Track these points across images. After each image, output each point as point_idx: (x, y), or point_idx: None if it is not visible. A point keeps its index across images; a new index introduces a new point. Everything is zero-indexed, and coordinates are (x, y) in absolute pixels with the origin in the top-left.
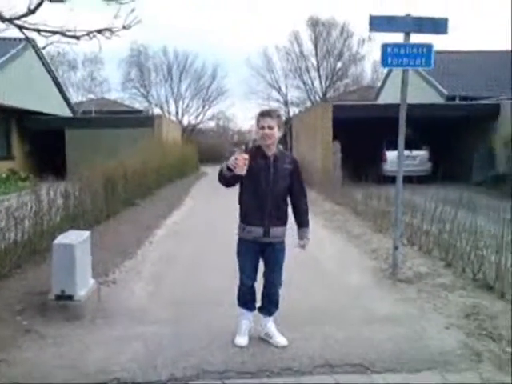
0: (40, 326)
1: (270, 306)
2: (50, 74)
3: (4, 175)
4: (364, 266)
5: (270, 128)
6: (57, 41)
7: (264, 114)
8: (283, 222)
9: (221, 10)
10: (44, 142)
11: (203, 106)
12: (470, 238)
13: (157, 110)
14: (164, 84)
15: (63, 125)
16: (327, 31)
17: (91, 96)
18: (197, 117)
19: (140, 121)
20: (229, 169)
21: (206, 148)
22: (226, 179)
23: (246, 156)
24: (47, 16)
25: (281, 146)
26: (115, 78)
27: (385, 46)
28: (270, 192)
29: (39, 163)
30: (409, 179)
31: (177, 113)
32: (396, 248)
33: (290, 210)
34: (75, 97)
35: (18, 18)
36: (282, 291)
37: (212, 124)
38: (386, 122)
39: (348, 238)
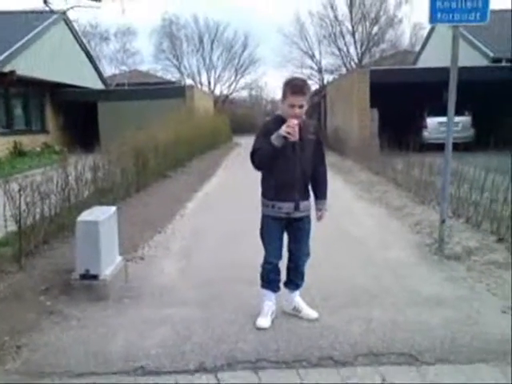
0: (64, 307)
1: (296, 279)
2: (81, 46)
3: (38, 149)
4: (407, 241)
5: (301, 107)
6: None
7: (296, 91)
8: (308, 195)
9: None
10: (77, 115)
11: (235, 76)
12: None
13: (189, 81)
14: (196, 54)
15: (96, 97)
16: None
17: (124, 68)
18: (229, 87)
19: (171, 92)
20: (284, 138)
21: (238, 118)
22: (269, 155)
23: (296, 121)
24: None
25: (303, 116)
26: (148, 50)
27: (433, 0)
28: (298, 165)
29: (73, 136)
30: (453, 146)
31: (209, 83)
32: (443, 221)
33: None
34: (108, 69)
35: None
36: (318, 270)
37: (245, 94)
38: (426, 87)
39: (388, 210)
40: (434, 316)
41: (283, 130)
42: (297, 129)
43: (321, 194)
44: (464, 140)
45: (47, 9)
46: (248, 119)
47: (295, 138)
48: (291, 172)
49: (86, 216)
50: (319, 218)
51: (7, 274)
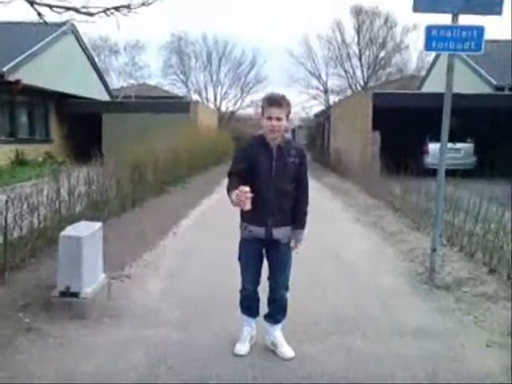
0: (42, 325)
1: (275, 313)
2: (89, 58)
3: (40, 158)
4: (398, 269)
5: (279, 119)
6: (70, 18)
7: (272, 103)
8: (288, 222)
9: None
10: (82, 126)
11: (241, 93)
12: None
13: (195, 96)
14: (203, 70)
15: (100, 109)
16: (370, 20)
17: (132, 81)
18: (235, 103)
19: (177, 106)
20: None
21: (243, 135)
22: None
23: (247, 189)
24: None
25: (288, 135)
26: (156, 64)
27: (429, 29)
28: (272, 188)
29: (76, 147)
30: (452, 173)
31: (215, 99)
32: (434, 250)
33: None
34: (116, 82)
35: None
36: (303, 295)
37: (250, 111)
38: (429, 113)
39: (383, 235)
40: (417, 349)
41: (233, 197)
42: (249, 196)
43: (297, 223)
44: (466, 167)
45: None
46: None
47: (248, 207)
48: (263, 195)
49: (69, 231)
50: (293, 248)
51: None
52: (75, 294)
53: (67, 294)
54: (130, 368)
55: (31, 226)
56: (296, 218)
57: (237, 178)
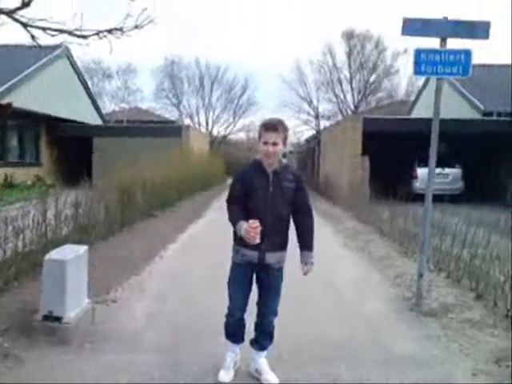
0: (22, 350)
1: (262, 339)
2: (82, 82)
3: (29, 182)
4: (385, 294)
5: (275, 144)
6: (64, 40)
7: (268, 128)
8: (282, 246)
9: (253, 24)
10: (72, 150)
11: (233, 117)
12: (504, 266)
13: (187, 120)
14: (196, 94)
15: (91, 133)
16: (361, 44)
17: (124, 105)
18: (226, 128)
19: (168, 131)
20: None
21: (234, 160)
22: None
23: (257, 224)
24: (59, 17)
25: (284, 160)
26: (149, 87)
27: (418, 52)
28: (268, 213)
29: (66, 170)
30: (439, 198)
31: (207, 123)
32: (421, 275)
33: (290, 233)
34: (109, 106)
35: (12, 12)
36: (290, 320)
37: (242, 135)
38: (417, 138)
39: (370, 260)
40: (402, 377)
41: (243, 233)
42: (258, 230)
43: (304, 246)
44: (453, 192)
45: (35, 43)
46: (243, 161)
47: (255, 241)
48: (260, 220)
49: (54, 254)
50: (305, 273)
51: None
52: (58, 319)
53: (50, 318)
54: None
55: (15, 249)
56: (304, 242)
57: (236, 205)
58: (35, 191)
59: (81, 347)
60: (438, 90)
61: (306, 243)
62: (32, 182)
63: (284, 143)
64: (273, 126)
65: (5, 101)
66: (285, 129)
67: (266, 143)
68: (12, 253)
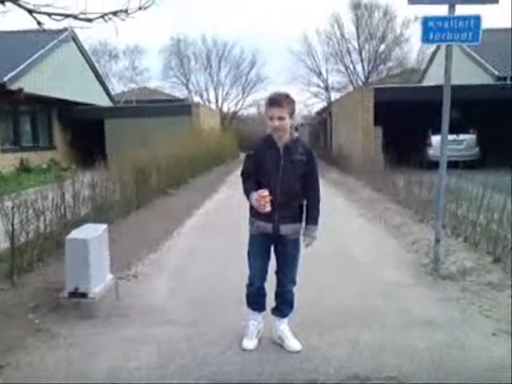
0: (52, 325)
1: (282, 306)
2: (89, 64)
3: (45, 165)
4: (403, 260)
5: (280, 119)
6: (69, 25)
7: (272, 103)
8: (296, 219)
9: None
10: (85, 132)
11: (243, 93)
12: None
13: (197, 98)
14: (203, 72)
15: (102, 114)
16: (369, 13)
17: (133, 85)
18: (236, 104)
19: (178, 109)
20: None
21: (246, 135)
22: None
23: (266, 193)
24: (63, 1)
25: (296, 133)
26: (157, 67)
27: (426, 20)
28: (279, 186)
29: (81, 153)
30: (455, 164)
31: (216, 100)
32: (438, 241)
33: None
34: (117, 87)
35: None
36: (307, 290)
37: (252, 111)
38: (431, 105)
39: (387, 228)
40: (423, 339)
41: (253, 202)
42: (268, 199)
43: (309, 220)
44: (469, 158)
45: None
46: (255, 136)
47: (266, 210)
48: (271, 192)
49: (75, 234)
50: (306, 245)
51: None
52: (84, 295)
53: (76, 294)
54: (141, 366)
55: (37, 231)
56: (308, 215)
57: (250, 179)
58: (51, 174)
59: (107, 321)
60: (449, 56)
61: (310, 216)
62: (47, 165)
63: (291, 117)
64: (277, 101)
65: (15, 86)
66: (290, 102)
67: (271, 118)
68: (34, 234)
